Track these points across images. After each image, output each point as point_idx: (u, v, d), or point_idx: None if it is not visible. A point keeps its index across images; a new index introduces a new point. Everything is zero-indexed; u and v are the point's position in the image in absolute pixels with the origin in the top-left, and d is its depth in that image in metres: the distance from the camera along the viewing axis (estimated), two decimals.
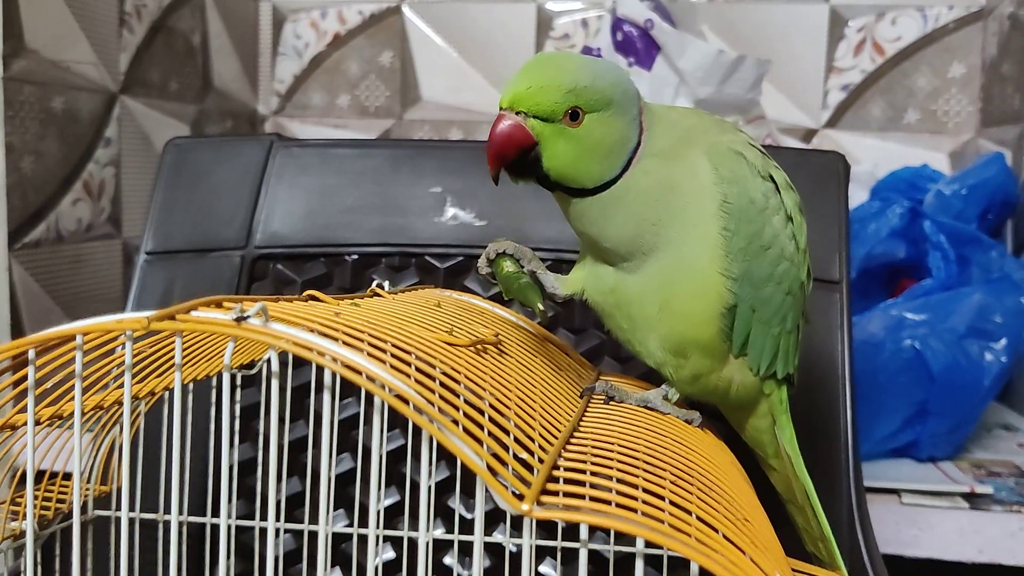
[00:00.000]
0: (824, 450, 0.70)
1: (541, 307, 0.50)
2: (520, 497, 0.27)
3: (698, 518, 0.30)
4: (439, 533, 0.73)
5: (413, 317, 0.43)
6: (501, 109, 0.46)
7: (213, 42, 1.49)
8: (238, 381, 0.60)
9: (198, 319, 0.28)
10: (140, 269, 0.81)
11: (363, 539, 0.73)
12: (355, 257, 0.81)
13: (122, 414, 0.55)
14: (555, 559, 0.73)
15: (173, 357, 0.52)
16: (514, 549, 0.72)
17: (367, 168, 0.83)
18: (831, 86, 1.47)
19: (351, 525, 0.72)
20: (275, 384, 0.29)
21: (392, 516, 0.75)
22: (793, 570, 0.51)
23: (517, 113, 0.45)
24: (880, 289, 1.12)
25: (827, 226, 0.73)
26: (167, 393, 0.57)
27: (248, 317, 0.28)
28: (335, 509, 0.77)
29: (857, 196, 1.23)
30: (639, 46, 1.12)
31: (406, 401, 0.28)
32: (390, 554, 0.75)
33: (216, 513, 0.74)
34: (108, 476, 0.62)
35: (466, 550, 0.74)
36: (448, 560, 0.75)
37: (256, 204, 0.82)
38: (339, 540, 0.74)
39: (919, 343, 0.94)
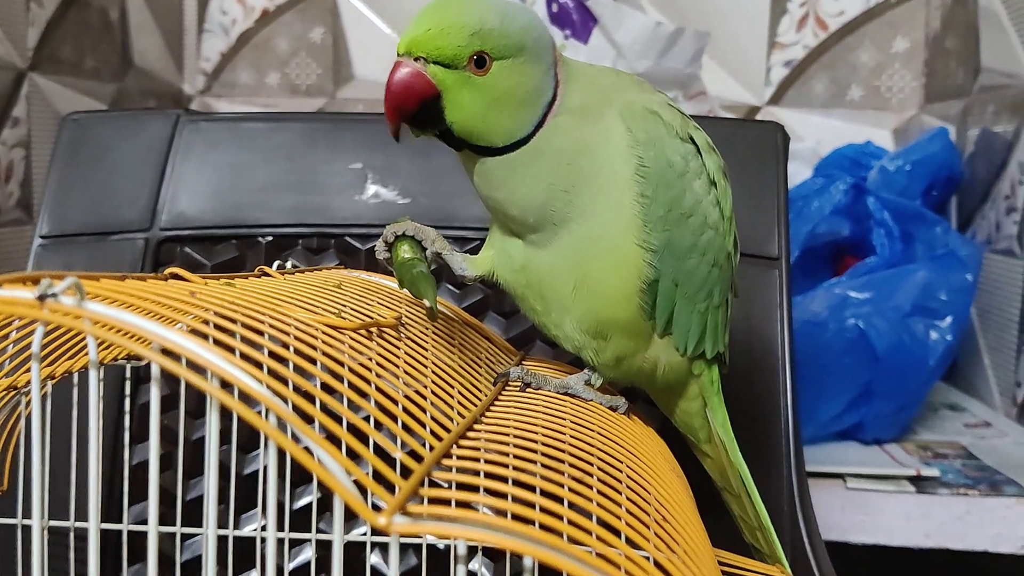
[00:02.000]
0: (763, 434, 0.66)
1: (429, 303, 0.44)
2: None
3: (599, 521, 0.26)
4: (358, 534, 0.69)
5: (296, 297, 0.38)
6: (399, 55, 0.41)
7: (133, 17, 1.41)
8: (127, 374, 0.55)
9: None
10: (34, 255, 0.75)
11: (278, 540, 0.69)
12: (269, 239, 0.76)
13: (8, 401, 0.49)
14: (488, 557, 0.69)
15: (75, 343, 0.47)
16: (441, 547, 0.68)
17: (281, 143, 0.78)
18: (774, 62, 1.43)
19: (264, 527, 0.67)
20: (93, 375, 0.25)
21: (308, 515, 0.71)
22: (725, 565, 0.47)
23: (416, 59, 0.40)
24: (824, 267, 1.09)
25: (765, 199, 0.70)
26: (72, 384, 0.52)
27: (55, 294, 0.23)
28: (249, 509, 0.72)
29: (801, 173, 1.21)
30: (575, 18, 1.07)
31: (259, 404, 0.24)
32: (308, 554, 0.71)
33: (117, 517, 0.68)
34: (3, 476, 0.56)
35: (384, 548, 0.70)
36: (375, 559, 0.71)
37: (161, 183, 0.76)
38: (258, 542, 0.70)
39: (863, 322, 0.92)
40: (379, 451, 0.29)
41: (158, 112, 0.80)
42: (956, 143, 1.23)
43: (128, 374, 0.54)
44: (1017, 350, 1.06)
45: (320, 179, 0.77)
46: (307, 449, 0.24)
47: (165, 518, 0.65)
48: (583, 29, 1.07)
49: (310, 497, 0.72)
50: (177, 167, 0.77)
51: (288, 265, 0.55)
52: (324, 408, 0.27)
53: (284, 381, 0.25)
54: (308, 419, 0.26)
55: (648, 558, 0.27)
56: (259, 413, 0.24)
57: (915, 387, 0.95)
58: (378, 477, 0.25)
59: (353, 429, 0.27)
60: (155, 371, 0.24)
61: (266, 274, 0.46)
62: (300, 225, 0.76)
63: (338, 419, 0.27)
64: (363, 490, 0.24)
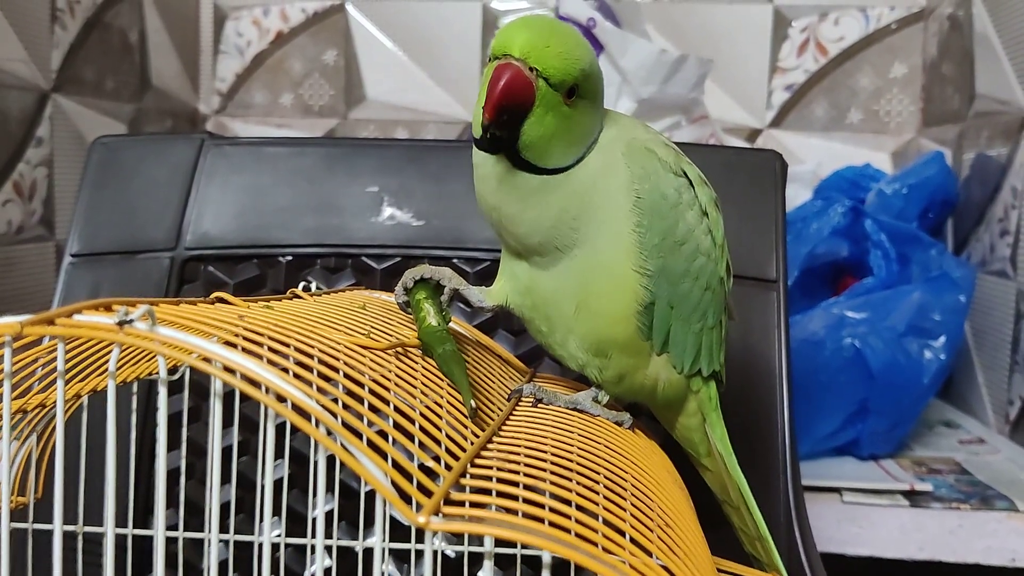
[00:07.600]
0: (761, 449, 0.69)
1: (466, 399, 0.42)
2: (420, 508, 0.26)
3: (605, 522, 0.29)
4: (372, 540, 0.72)
5: (330, 319, 0.41)
6: (505, 55, 0.41)
7: (152, 39, 1.46)
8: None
9: (77, 323, 0.26)
10: (65, 272, 0.79)
11: (298, 548, 0.72)
12: (289, 258, 0.79)
13: (42, 419, 0.53)
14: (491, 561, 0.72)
15: (107, 359, 0.50)
16: (452, 555, 0.71)
17: (301, 167, 0.81)
18: (775, 86, 1.47)
19: (285, 534, 0.70)
20: (162, 391, 0.28)
21: (330, 523, 0.74)
22: (723, 572, 0.50)
23: (531, 69, 0.41)
24: (823, 288, 1.12)
25: (764, 224, 0.73)
26: (87, 399, 0.55)
27: (132, 321, 0.26)
28: (271, 517, 0.75)
29: (800, 195, 1.24)
30: None
31: (307, 414, 0.27)
32: (328, 562, 0.73)
33: (141, 524, 0.71)
34: (27, 487, 0.59)
35: (403, 556, 0.73)
36: (389, 568, 0.74)
37: (186, 204, 0.80)
38: (273, 548, 0.72)
39: (859, 341, 0.95)
40: (404, 462, 0.32)
41: (183, 136, 0.83)
42: (952, 167, 1.26)
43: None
44: (1010, 369, 1.09)
45: (338, 201, 0.80)
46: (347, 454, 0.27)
47: (188, 525, 0.68)
48: None
49: (328, 506, 0.75)
50: (202, 189, 0.80)
51: (313, 287, 0.58)
52: (349, 422, 0.31)
53: (324, 394, 0.28)
54: (346, 428, 0.29)
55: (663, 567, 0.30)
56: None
57: (909, 404, 0.98)
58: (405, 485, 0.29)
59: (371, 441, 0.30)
60: (217, 386, 0.28)
61: (297, 296, 0.49)
62: (319, 245, 0.79)
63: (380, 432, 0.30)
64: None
